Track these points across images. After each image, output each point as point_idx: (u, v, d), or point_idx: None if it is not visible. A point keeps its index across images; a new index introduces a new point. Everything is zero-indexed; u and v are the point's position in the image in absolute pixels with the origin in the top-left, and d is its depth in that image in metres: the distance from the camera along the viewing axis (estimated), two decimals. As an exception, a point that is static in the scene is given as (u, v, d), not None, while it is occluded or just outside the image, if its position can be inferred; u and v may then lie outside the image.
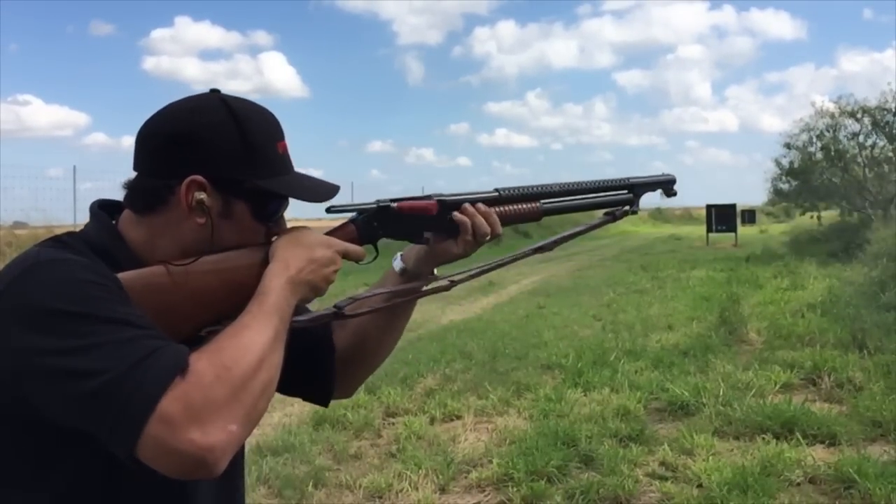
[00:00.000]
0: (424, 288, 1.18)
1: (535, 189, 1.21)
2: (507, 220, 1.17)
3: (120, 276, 0.91)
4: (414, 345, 6.99)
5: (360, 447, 4.42)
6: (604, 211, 1.27)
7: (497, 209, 1.16)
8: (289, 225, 1.06)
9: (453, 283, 1.17)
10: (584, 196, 1.25)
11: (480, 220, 1.13)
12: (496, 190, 1.18)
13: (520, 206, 1.19)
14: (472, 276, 1.18)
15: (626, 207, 1.26)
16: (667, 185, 1.31)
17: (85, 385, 0.79)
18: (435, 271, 1.19)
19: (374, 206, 1.11)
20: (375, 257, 1.11)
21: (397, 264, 1.20)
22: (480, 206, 1.14)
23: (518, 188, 1.20)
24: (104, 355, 0.80)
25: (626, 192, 1.27)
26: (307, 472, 3.96)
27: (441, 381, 5.81)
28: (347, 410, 4.90)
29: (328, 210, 1.09)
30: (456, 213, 1.12)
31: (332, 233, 1.08)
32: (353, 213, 1.11)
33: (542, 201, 1.21)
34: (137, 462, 0.80)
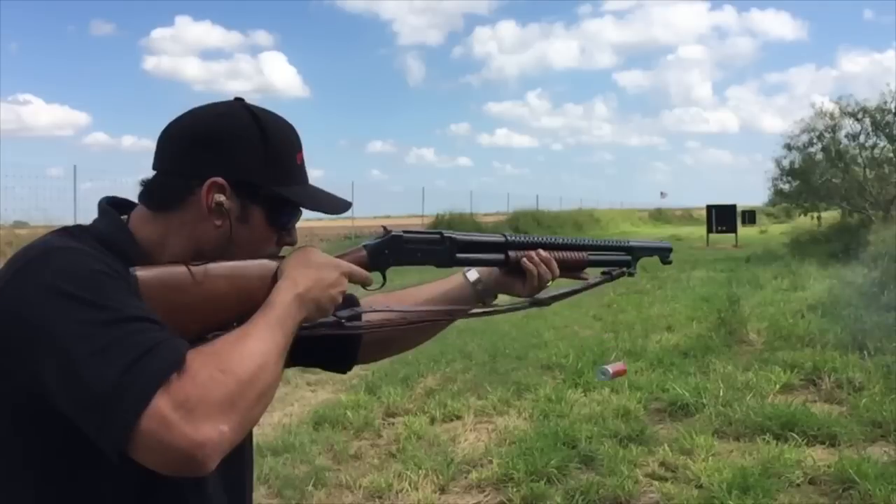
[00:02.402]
0: (430, 318, 1.24)
1: (540, 240, 1.27)
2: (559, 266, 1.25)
3: (136, 270, 0.92)
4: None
5: (360, 447, 4.42)
6: (602, 270, 1.34)
7: (552, 254, 1.25)
8: (298, 237, 1.09)
9: (453, 318, 1.26)
10: (590, 252, 1.32)
11: (545, 268, 1.23)
12: (503, 235, 1.25)
13: (570, 255, 1.27)
14: (480, 315, 1.28)
15: (624, 269, 1.34)
16: (663, 253, 1.41)
17: (84, 373, 0.80)
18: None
19: (388, 235, 1.16)
20: (382, 284, 1.15)
21: (472, 275, 1.28)
22: (542, 252, 1.23)
23: (528, 237, 1.27)
24: (107, 346, 0.81)
25: (625, 254, 1.34)
26: (307, 472, 3.96)
27: (441, 382, 5.81)
28: (348, 410, 4.91)
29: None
30: (525, 261, 1.22)
31: (343, 256, 1.11)
32: (367, 241, 1.16)
33: (559, 253, 1.28)
34: (123, 458, 0.80)
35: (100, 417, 0.80)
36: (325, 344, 1.12)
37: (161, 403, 0.79)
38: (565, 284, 1.31)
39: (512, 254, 1.22)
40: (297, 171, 1.04)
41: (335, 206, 1.06)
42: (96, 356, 0.80)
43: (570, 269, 1.27)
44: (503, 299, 1.30)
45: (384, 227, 1.17)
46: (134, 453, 0.80)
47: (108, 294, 0.85)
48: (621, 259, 1.34)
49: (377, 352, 1.30)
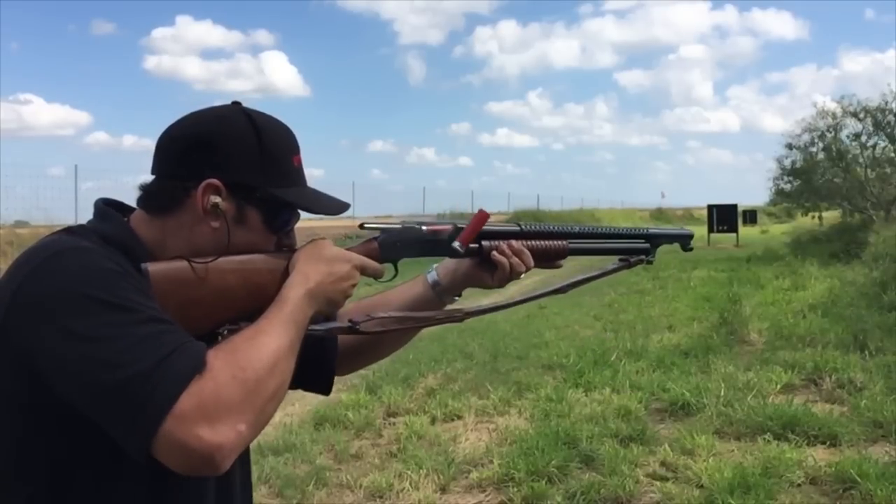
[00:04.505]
0: (439, 317, 1.22)
1: (557, 228, 1.25)
2: (535, 255, 1.21)
3: (149, 265, 0.93)
4: (415, 344, 6.97)
5: (361, 447, 4.42)
6: (619, 257, 1.31)
7: (527, 243, 1.21)
8: (298, 237, 1.08)
9: (467, 316, 1.20)
10: (604, 240, 1.30)
11: (517, 260, 1.19)
12: (518, 224, 1.23)
13: (549, 244, 1.23)
14: (488, 312, 1.24)
15: (642, 256, 1.30)
16: (683, 240, 1.37)
17: (107, 377, 0.80)
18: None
19: (399, 226, 1.14)
20: (395, 276, 1.15)
21: (431, 276, 1.25)
22: (514, 243, 1.19)
23: (541, 225, 1.25)
24: (129, 348, 0.81)
25: (643, 241, 1.31)
26: (308, 472, 3.96)
27: (442, 381, 5.82)
28: (348, 410, 4.91)
29: (361, 226, 1.14)
30: (495, 253, 1.18)
31: (355, 248, 1.10)
32: (378, 232, 1.14)
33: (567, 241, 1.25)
34: (148, 457, 0.81)
35: (126, 419, 0.80)
36: (303, 365, 1.11)
37: (185, 405, 0.80)
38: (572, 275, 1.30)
39: (486, 244, 1.19)
40: (294, 173, 1.04)
41: (332, 207, 1.06)
42: (120, 358, 0.81)
43: (549, 259, 1.24)
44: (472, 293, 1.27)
45: (403, 223, 1.16)
46: (156, 454, 0.81)
47: (127, 295, 0.86)
48: (639, 247, 1.31)
49: (352, 362, 1.28)
